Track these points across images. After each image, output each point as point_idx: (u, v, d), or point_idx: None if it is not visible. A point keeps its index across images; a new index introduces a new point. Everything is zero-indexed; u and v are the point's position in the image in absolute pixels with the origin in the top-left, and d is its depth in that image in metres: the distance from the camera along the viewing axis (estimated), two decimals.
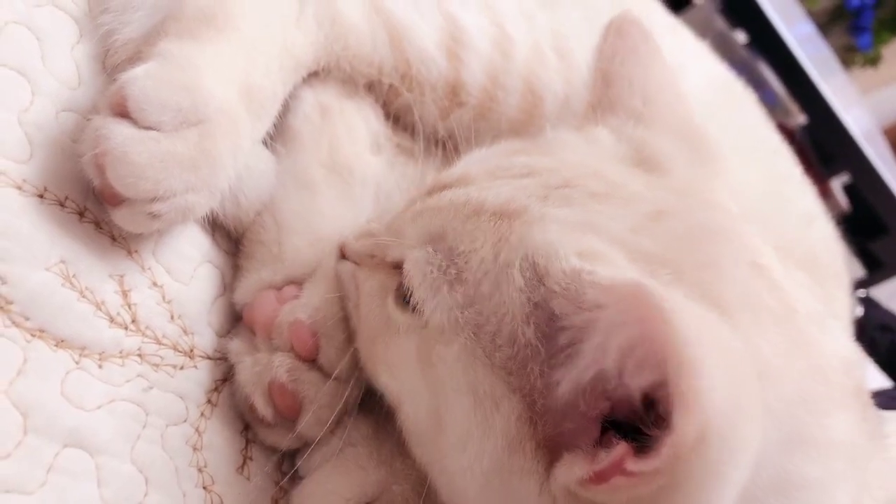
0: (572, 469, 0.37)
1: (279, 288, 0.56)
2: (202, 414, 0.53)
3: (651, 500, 0.33)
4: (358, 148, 0.64)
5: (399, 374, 0.47)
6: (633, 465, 0.34)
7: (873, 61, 2.79)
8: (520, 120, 0.69)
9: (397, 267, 0.48)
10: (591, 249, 0.39)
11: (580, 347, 0.37)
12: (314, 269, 0.56)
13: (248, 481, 0.54)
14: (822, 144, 2.43)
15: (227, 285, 0.59)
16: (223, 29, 0.53)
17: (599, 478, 0.35)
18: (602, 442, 0.37)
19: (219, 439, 0.53)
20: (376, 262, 0.51)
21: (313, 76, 0.64)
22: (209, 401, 0.54)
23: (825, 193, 2.40)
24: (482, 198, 0.45)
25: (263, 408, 0.53)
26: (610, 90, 0.56)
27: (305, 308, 0.54)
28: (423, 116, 0.68)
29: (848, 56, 2.84)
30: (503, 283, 0.41)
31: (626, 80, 0.56)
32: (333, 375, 0.52)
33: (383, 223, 0.53)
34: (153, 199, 0.47)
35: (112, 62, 0.54)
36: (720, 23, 2.49)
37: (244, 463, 0.55)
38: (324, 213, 0.59)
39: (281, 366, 0.53)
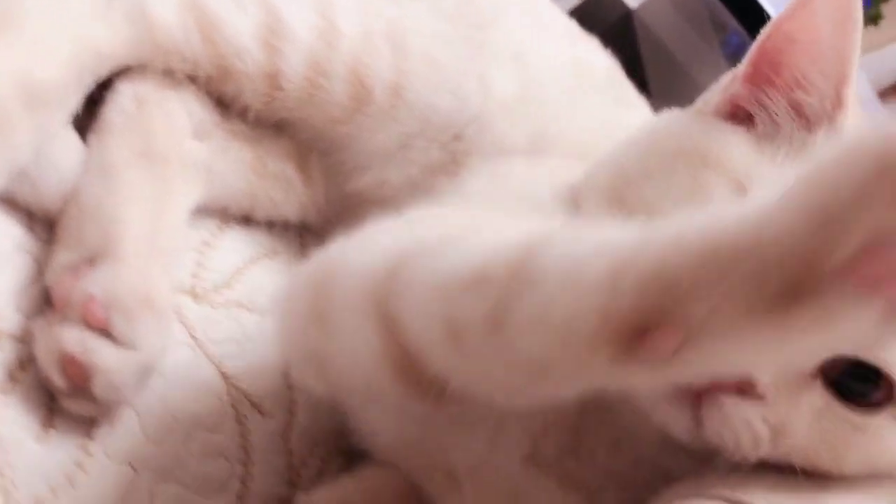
0: None
1: (78, 268, 0.60)
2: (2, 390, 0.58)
3: None
4: (177, 135, 0.68)
5: (874, 458, 0.47)
6: None
7: (874, 20, 2.71)
8: (349, 106, 0.73)
9: (815, 376, 0.46)
10: None
11: None
12: (108, 248, 0.60)
13: (48, 450, 0.59)
14: None
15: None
16: (4, 27, 0.58)
17: None
18: None
19: (13, 413, 0.58)
20: (795, 383, 0.46)
21: (136, 70, 0.68)
22: (13, 378, 0.59)
23: None
24: None
25: (57, 378, 0.58)
26: None
27: (96, 283, 0.58)
28: (249, 104, 0.72)
29: None
30: None
31: None
32: None
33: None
34: None
35: None
36: None
37: (45, 431, 0.59)
38: (126, 196, 0.63)
39: (70, 337, 0.57)
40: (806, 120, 0.52)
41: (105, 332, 0.58)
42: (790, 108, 0.52)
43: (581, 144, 0.76)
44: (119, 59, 0.66)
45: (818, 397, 0.46)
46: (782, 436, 0.46)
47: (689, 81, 2.45)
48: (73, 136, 0.65)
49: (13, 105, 0.57)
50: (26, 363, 0.60)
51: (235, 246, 0.76)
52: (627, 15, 2.76)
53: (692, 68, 2.46)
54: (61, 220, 0.63)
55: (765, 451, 0.46)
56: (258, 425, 0.69)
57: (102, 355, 0.58)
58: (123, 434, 0.63)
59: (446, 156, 0.76)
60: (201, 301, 0.71)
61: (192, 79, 0.70)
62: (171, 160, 0.67)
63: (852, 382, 0.45)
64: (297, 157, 0.77)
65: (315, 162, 0.78)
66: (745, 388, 0.44)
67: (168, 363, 0.65)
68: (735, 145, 0.53)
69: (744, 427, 0.45)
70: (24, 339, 0.60)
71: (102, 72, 0.65)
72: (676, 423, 0.47)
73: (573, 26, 0.92)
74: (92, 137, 0.66)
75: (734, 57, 2.61)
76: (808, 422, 0.46)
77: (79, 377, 0.57)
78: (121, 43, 0.65)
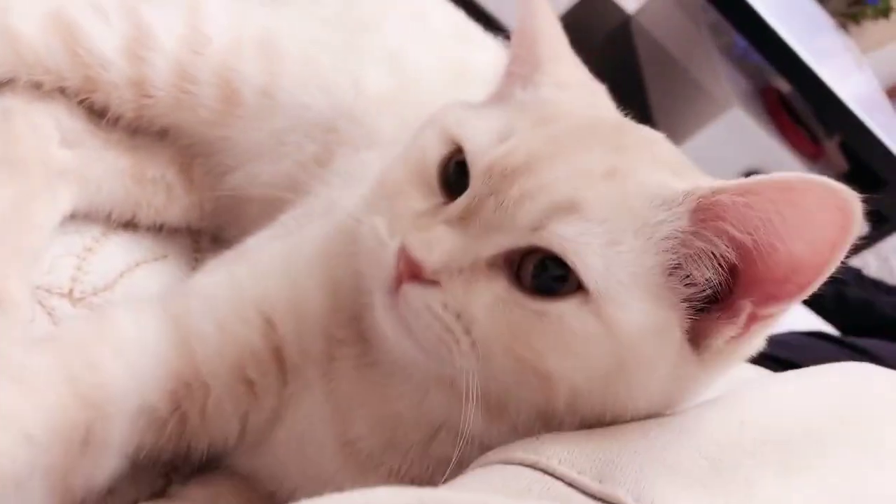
0: (722, 334, 0.50)
1: None
2: None
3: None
4: (42, 143, 0.72)
5: (572, 349, 0.49)
6: (765, 311, 0.49)
7: (884, 13, 2.65)
8: (219, 109, 0.76)
9: (493, 264, 0.50)
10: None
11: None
12: None
13: None
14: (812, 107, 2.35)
15: None
16: None
17: (745, 329, 0.49)
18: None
19: None
20: (469, 270, 0.50)
21: (4, 85, 0.72)
22: None
23: (820, 155, 2.31)
24: (584, 165, 0.50)
25: None
26: None
27: None
28: (120, 112, 0.75)
29: (858, 10, 2.71)
30: (654, 228, 0.49)
31: None
32: None
33: (403, 235, 0.51)
34: None
35: None
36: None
37: None
38: None
39: None
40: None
41: None
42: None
43: None
44: None
45: (499, 286, 0.49)
46: (468, 322, 0.49)
47: (689, 85, 2.43)
48: None
49: None
50: None
51: (119, 251, 0.79)
52: (626, 21, 2.77)
53: (691, 72, 2.45)
54: None
55: (465, 346, 0.49)
56: None
57: None
58: None
59: (320, 148, 0.78)
60: (78, 303, 0.74)
61: (63, 90, 0.74)
62: (33, 167, 0.70)
63: (546, 278, 0.49)
64: (179, 163, 0.81)
65: (197, 167, 0.81)
66: (416, 274, 0.49)
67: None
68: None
69: (427, 313, 0.49)
70: None
71: None
72: (393, 330, 0.52)
73: (470, 28, 0.95)
74: None
75: (741, 60, 2.57)
76: (489, 307, 0.49)
77: None
78: None
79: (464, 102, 0.60)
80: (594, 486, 0.44)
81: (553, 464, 0.47)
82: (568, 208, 0.48)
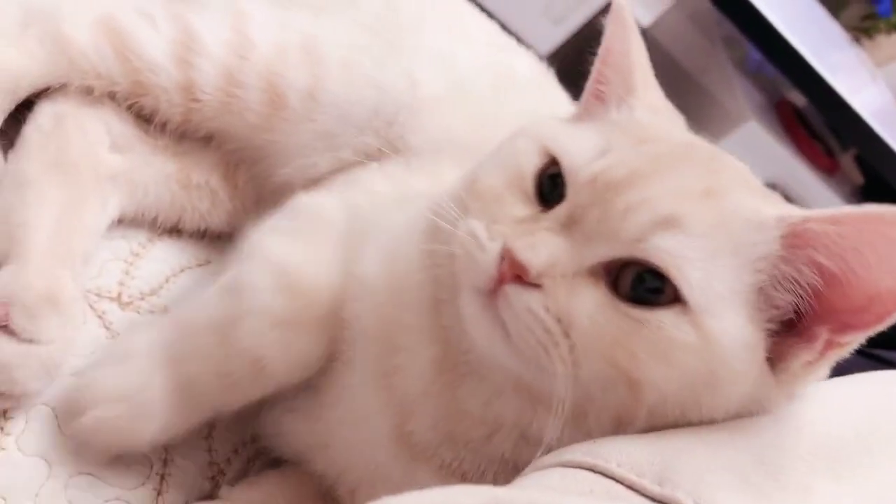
0: (799, 358, 0.52)
1: None
2: None
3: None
4: (92, 148, 0.72)
5: (668, 358, 0.50)
6: (841, 338, 0.50)
7: None
8: (265, 113, 0.77)
9: (593, 273, 0.52)
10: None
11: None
12: (14, 250, 0.64)
13: None
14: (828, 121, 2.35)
15: None
16: None
17: (821, 355, 0.51)
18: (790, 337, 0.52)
19: None
20: (571, 276, 0.51)
21: (57, 90, 0.73)
22: None
23: (835, 168, 2.32)
24: (683, 184, 0.53)
25: None
26: None
27: None
28: (168, 117, 0.76)
29: (871, 24, 2.73)
30: (749, 248, 0.51)
31: None
32: None
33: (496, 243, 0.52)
34: None
35: None
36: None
37: None
38: (34, 203, 0.67)
39: None
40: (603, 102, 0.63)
41: (7, 329, 0.62)
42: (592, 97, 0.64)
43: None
44: (35, 81, 0.71)
45: (600, 293, 0.51)
46: (568, 326, 0.50)
47: (703, 98, 2.44)
48: None
49: None
50: None
51: (165, 256, 0.79)
52: (640, 33, 2.78)
53: (706, 85, 2.46)
54: None
55: (563, 350, 0.50)
56: None
57: (2, 350, 0.61)
58: (38, 428, 0.66)
59: (381, 141, 0.80)
60: (126, 307, 0.74)
61: (112, 96, 0.75)
62: (84, 171, 0.71)
63: (642, 290, 0.51)
64: (223, 168, 0.81)
65: (241, 173, 0.82)
66: (519, 276, 0.50)
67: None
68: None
69: (528, 315, 0.50)
70: None
71: (21, 93, 0.71)
72: (487, 332, 0.53)
73: (502, 37, 0.97)
74: (11, 154, 0.70)
75: (755, 74, 2.57)
76: (591, 312, 0.50)
77: None
78: (36, 65, 0.70)
79: (553, 117, 0.63)
80: (655, 489, 0.45)
81: (612, 466, 0.47)
82: (669, 223, 0.50)
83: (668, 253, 0.49)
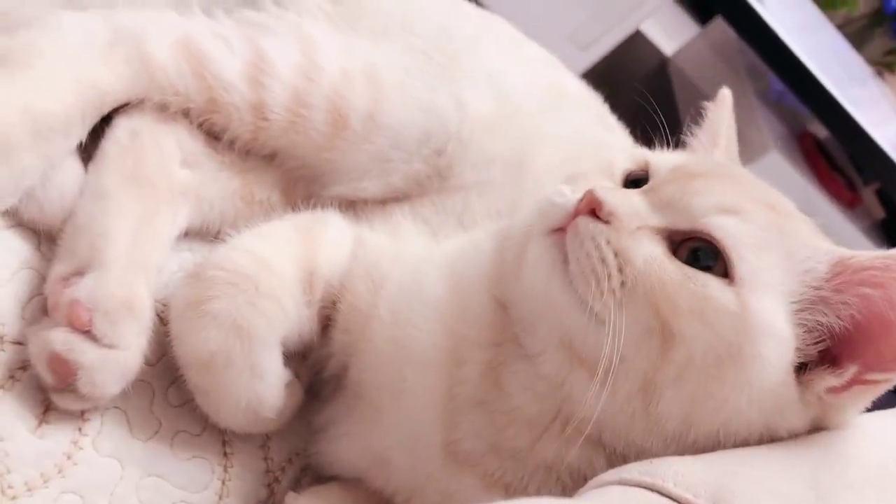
0: (824, 381, 0.56)
1: (69, 277, 0.68)
2: (2, 387, 0.65)
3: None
4: (166, 163, 0.75)
5: (706, 315, 0.55)
6: (870, 375, 0.55)
7: None
8: (327, 133, 0.81)
9: (657, 234, 0.59)
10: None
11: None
12: (95, 259, 0.67)
13: (41, 441, 0.65)
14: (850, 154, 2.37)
15: None
16: (17, 67, 0.67)
17: (846, 386, 0.55)
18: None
19: (11, 407, 0.65)
20: (637, 229, 0.59)
21: (133, 107, 0.76)
22: (12, 377, 0.66)
23: (857, 202, 2.33)
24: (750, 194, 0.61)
25: (45, 374, 0.64)
26: None
27: (81, 289, 0.65)
28: (237, 134, 0.79)
29: (894, 59, 2.76)
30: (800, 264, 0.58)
31: None
32: None
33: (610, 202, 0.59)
34: None
35: None
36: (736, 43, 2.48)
37: (39, 425, 0.66)
38: (113, 214, 0.70)
39: (57, 338, 0.64)
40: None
41: (89, 334, 0.65)
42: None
43: (566, 151, 0.87)
44: (119, 96, 0.74)
45: (658, 248, 0.58)
46: (624, 262, 0.57)
47: None
48: (76, 164, 0.72)
49: (19, 133, 0.65)
50: (27, 365, 0.67)
51: None
52: (664, 62, 2.82)
53: None
54: (60, 237, 0.70)
55: (614, 283, 0.56)
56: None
57: (85, 354, 0.64)
58: (112, 430, 0.69)
59: (430, 169, 0.84)
60: None
61: (185, 113, 0.78)
62: (158, 185, 0.74)
63: (695, 264, 0.57)
64: (283, 185, 0.85)
65: (300, 190, 0.85)
66: (595, 209, 0.58)
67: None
68: None
69: (590, 242, 0.57)
70: (25, 344, 0.67)
71: (105, 108, 0.74)
72: (548, 266, 0.59)
73: (552, 58, 1.00)
74: (91, 166, 0.73)
75: (777, 104, 2.60)
76: (647, 257, 0.57)
77: (64, 374, 0.64)
78: (120, 82, 0.74)
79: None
80: None
81: (669, 486, 0.50)
82: (732, 210, 0.58)
83: (725, 230, 0.57)
